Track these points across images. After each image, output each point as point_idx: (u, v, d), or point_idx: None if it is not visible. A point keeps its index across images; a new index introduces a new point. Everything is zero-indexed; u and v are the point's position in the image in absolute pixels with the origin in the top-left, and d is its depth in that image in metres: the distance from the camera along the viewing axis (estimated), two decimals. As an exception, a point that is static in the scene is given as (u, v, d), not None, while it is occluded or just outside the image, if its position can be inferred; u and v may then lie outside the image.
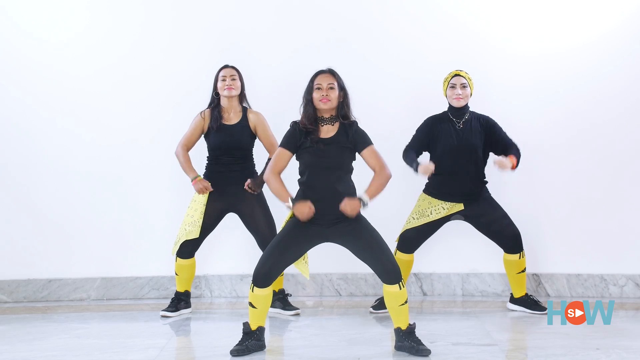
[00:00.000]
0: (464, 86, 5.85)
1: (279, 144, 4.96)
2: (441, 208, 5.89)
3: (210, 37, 6.76)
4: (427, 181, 5.96)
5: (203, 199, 5.92)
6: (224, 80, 5.96)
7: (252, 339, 4.88)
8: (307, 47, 6.66)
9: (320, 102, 4.86)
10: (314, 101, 4.88)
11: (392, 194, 6.58)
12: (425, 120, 5.95)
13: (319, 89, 4.88)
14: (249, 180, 5.92)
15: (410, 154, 5.79)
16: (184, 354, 5.13)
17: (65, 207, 6.73)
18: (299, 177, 4.94)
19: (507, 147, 5.88)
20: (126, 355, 4.88)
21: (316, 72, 4.96)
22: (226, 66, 6.01)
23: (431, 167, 5.60)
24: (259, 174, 5.97)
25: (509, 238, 5.92)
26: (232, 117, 5.99)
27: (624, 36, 6.60)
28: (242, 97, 6.04)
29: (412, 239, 5.95)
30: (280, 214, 5.49)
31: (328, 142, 4.86)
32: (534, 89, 6.64)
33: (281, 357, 4.96)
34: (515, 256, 5.94)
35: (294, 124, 4.92)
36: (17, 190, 6.73)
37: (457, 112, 5.88)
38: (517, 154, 5.84)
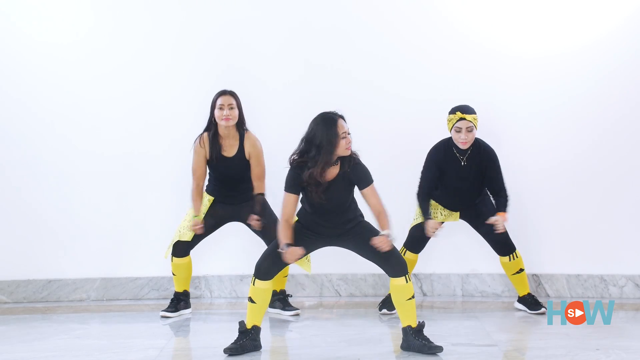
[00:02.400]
0: (469, 130, 5.73)
1: (283, 187, 4.84)
2: (439, 213, 5.95)
3: (216, 44, 6.71)
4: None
5: (205, 208, 5.94)
6: (221, 109, 5.79)
7: (247, 338, 4.87)
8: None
9: (347, 150, 4.76)
10: (340, 149, 4.73)
11: (392, 195, 6.62)
12: (430, 156, 5.87)
13: (343, 138, 4.73)
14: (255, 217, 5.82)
15: (425, 203, 5.79)
16: (183, 355, 5.13)
17: (65, 208, 6.72)
18: (302, 201, 4.90)
19: (495, 192, 5.82)
20: (126, 356, 4.88)
21: (332, 119, 4.74)
22: (224, 93, 5.83)
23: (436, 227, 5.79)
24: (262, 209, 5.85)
25: (496, 241, 5.93)
26: (231, 144, 5.87)
27: (626, 36, 6.60)
28: (240, 123, 5.88)
29: (420, 238, 5.94)
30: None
31: (331, 183, 4.78)
32: (535, 92, 6.63)
33: (281, 357, 4.96)
34: (505, 258, 5.96)
35: (295, 169, 4.79)
36: (17, 190, 6.72)
37: (461, 150, 5.83)
38: (505, 205, 5.80)
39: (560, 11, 6.65)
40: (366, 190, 4.84)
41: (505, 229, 5.82)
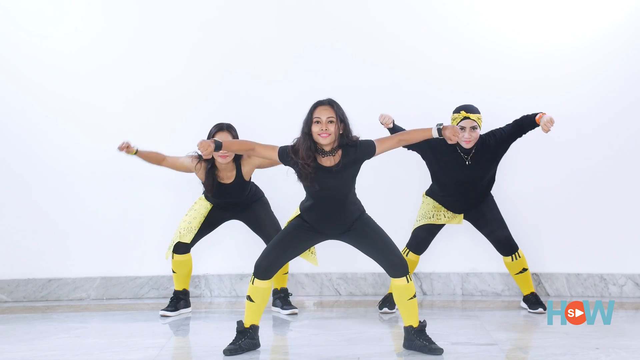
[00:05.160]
0: (473, 128, 5.71)
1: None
2: (442, 215, 5.94)
3: (214, 34, 6.73)
4: (431, 184, 5.97)
5: (205, 210, 5.95)
6: None
7: (246, 337, 4.87)
8: (308, 56, 6.71)
9: (320, 137, 4.68)
10: (313, 135, 4.70)
11: (394, 195, 6.62)
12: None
13: (318, 122, 4.69)
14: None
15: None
16: (183, 354, 5.13)
17: (65, 207, 6.73)
18: (304, 193, 4.87)
19: (521, 127, 5.74)
20: (126, 355, 4.88)
21: (315, 104, 4.76)
22: (221, 129, 5.79)
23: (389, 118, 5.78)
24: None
25: (497, 241, 5.93)
26: (228, 176, 5.87)
27: (628, 32, 6.60)
28: (236, 155, 5.86)
29: (423, 239, 5.94)
30: (284, 216, 5.55)
31: (330, 171, 4.74)
32: (535, 88, 6.64)
33: (281, 356, 4.96)
34: (508, 258, 5.96)
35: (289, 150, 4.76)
36: (17, 189, 6.72)
37: (465, 150, 5.81)
38: (529, 115, 5.73)
39: (563, 6, 6.65)
40: (378, 148, 4.76)
41: (501, 227, 5.84)
